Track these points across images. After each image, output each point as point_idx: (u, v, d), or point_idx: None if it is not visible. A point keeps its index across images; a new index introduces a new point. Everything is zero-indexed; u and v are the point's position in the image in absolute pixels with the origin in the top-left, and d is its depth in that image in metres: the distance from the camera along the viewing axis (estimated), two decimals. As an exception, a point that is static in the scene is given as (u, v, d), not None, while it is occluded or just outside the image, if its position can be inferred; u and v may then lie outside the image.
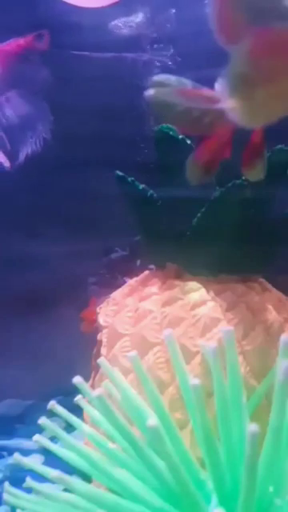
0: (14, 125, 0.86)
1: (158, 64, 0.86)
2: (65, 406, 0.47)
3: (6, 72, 0.84)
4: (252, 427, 0.33)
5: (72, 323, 0.82)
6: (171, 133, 0.54)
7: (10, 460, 0.73)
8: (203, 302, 0.53)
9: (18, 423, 0.88)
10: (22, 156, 0.86)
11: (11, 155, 0.86)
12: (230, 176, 0.50)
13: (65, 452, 0.46)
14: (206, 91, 0.29)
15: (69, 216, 0.91)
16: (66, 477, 0.41)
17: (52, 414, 0.47)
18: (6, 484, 0.46)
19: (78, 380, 0.46)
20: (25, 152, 0.86)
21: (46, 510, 0.43)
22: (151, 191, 0.56)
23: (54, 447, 0.46)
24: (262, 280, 0.60)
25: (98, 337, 0.59)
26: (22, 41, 0.84)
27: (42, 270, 0.92)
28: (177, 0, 0.85)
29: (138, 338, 0.53)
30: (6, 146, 0.86)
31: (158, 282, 0.57)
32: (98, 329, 0.59)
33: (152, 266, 0.63)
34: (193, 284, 0.55)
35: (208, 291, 0.54)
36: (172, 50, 0.86)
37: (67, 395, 0.53)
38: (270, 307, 0.55)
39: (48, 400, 0.48)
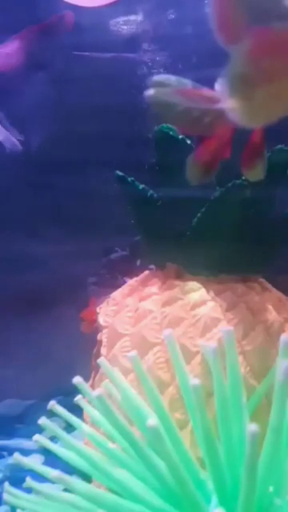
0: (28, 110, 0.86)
1: (157, 64, 0.86)
2: (65, 406, 0.47)
3: (26, 56, 0.85)
4: (252, 427, 0.33)
5: (72, 323, 0.81)
6: (171, 133, 0.54)
7: (10, 460, 0.73)
8: (203, 302, 0.53)
9: (18, 423, 0.87)
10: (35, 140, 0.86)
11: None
12: (230, 176, 0.50)
13: (65, 452, 0.46)
14: (206, 91, 0.29)
15: (69, 216, 0.91)
16: (66, 477, 0.41)
17: (52, 414, 0.47)
18: (6, 484, 0.46)
19: (77, 380, 0.46)
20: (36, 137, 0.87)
21: (46, 510, 0.43)
22: (151, 191, 0.56)
23: (54, 447, 0.46)
24: (261, 280, 0.60)
25: (98, 337, 0.59)
26: (45, 23, 0.84)
27: (42, 270, 0.91)
28: (177, 0, 0.85)
29: (138, 338, 0.53)
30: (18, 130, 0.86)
31: (158, 282, 0.57)
32: (97, 329, 0.59)
33: (152, 266, 0.63)
34: (193, 284, 0.55)
35: (208, 291, 0.54)
36: (172, 50, 0.86)
37: (67, 395, 0.53)
38: (269, 307, 0.55)
39: (48, 400, 0.48)
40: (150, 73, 0.84)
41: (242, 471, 0.34)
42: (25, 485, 0.45)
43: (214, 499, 0.40)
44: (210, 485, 0.41)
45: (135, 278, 0.61)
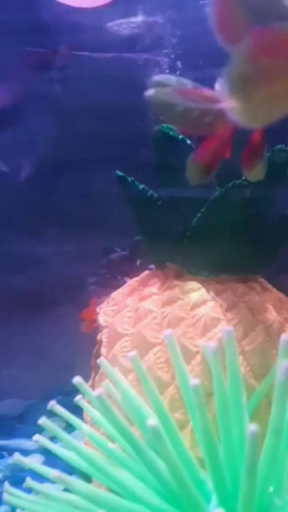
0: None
1: (158, 64, 0.86)
2: (65, 406, 0.47)
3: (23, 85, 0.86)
4: (252, 427, 0.33)
5: (72, 323, 0.82)
6: (171, 133, 0.54)
7: (10, 460, 0.73)
8: (203, 302, 0.53)
9: (18, 423, 0.88)
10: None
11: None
12: (230, 176, 0.50)
13: (65, 452, 0.46)
14: (206, 91, 0.29)
15: (69, 216, 0.91)
16: (66, 477, 0.41)
17: (52, 414, 0.47)
18: (6, 484, 0.46)
19: (77, 380, 0.46)
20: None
21: (46, 510, 0.43)
22: (151, 191, 0.56)
23: (54, 447, 0.46)
24: (261, 280, 0.60)
25: (98, 337, 0.59)
26: (40, 55, 0.85)
27: (42, 269, 0.92)
28: (177, 0, 0.85)
29: (138, 337, 0.53)
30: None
31: (158, 281, 0.57)
32: (97, 329, 0.59)
33: (152, 266, 0.63)
34: (193, 284, 0.55)
35: (208, 291, 0.54)
36: (172, 50, 0.86)
37: (67, 395, 0.53)
38: (270, 307, 0.55)
39: (48, 400, 0.48)
40: (150, 73, 0.84)
41: (242, 471, 0.34)
42: (25, 485, 0.45)
43: (214, 499, 0.40)
44: (210, 485, 0.41)
45: (135, 278, 0.61)
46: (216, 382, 0.41)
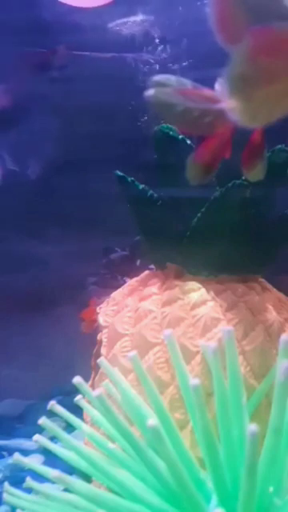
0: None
1: (157, 64, 0.86)
2: (65, 406, 0.47)
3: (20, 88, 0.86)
4: (252, 427, 0.33)
5: (72, 323, 0.82)
6: (171, 133, 0.54)
7: (10, 460, 0.73)
8: (203, 302, 0.53)
9: (18, 423, 0.88)
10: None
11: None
12: (230, 176, 0.50)
13: (65, 452, 0.46)
14: (206, 91, 0.29)
15: (69, 216, 0.92)
16: (66, 477, 0.41)
17: (52, 414, 0.47)
18: (6, 484, 0.46)
19: (77, 380, 0.46)
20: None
21: (46, 510, 0.43)
22: (151, 191, 0.56)
23: (54, 447, 0.46)
24: (261, 280, 0.60)
25: (98, 337, 0.59)
26: (40, 55, 0.85)
27: (42, 269, 0.92)
28: (177, 0, 0.85)
29: (138, 337, 0.53)
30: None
31: (158, 282, 0.57)
32: (97, 329, 0.59)
33: (152, 266, 0.63)
34: (193, 284, 0.55)
35: (208, 291, 0.54)
36: (172, 50, 0.86)
37: (67, 395, 0.53)
38: (270, 307, 0.55)
39: (48, 400, 0.48)
40: (150, 73, 0.84)
41: (242, 471, 0.34)
42: (25, 485, 0.45)
43: (214, 499, 0.40)
44: (210, 485, 0.41)
45: (135, 278, 0.61)
46: (216, 382, 0.41)
